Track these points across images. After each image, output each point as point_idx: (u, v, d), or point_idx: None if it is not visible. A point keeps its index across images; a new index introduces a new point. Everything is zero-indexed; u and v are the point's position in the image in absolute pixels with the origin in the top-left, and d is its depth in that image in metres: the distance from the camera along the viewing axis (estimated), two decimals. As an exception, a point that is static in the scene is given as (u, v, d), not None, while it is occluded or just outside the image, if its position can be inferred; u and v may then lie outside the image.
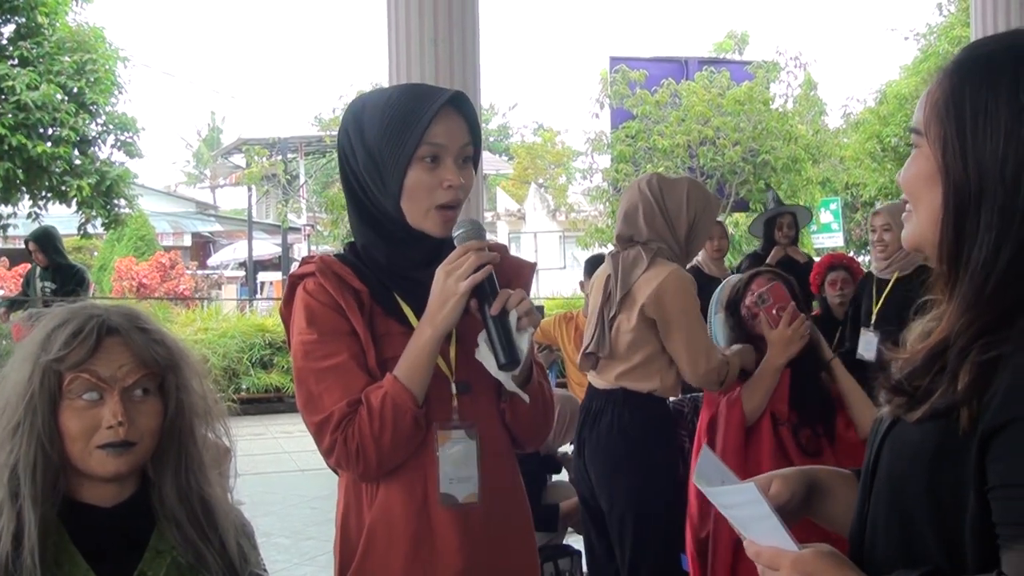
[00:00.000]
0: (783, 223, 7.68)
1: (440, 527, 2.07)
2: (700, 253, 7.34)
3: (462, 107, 2.11)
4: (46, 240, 9.40)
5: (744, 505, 1.36)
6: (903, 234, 1.39)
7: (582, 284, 6.45)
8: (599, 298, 3.82)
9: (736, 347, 3.74)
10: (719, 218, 7.87)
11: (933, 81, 1.32)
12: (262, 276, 27.87)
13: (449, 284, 1.99)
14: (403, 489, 2.07)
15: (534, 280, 2.38)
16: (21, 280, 10.01)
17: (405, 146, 2.03)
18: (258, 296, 24.38)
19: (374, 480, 2.08)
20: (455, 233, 2.07)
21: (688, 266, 3.99)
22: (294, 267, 2.29)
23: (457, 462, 2.08)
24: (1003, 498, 1.14)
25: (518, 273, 2.27)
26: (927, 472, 1.22)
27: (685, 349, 3.59)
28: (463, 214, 2.17)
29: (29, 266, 9.90)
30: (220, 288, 26.16)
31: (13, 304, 9.53)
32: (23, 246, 10.52)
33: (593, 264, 6.24)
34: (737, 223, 19.89)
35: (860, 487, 1.39)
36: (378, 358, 2.06)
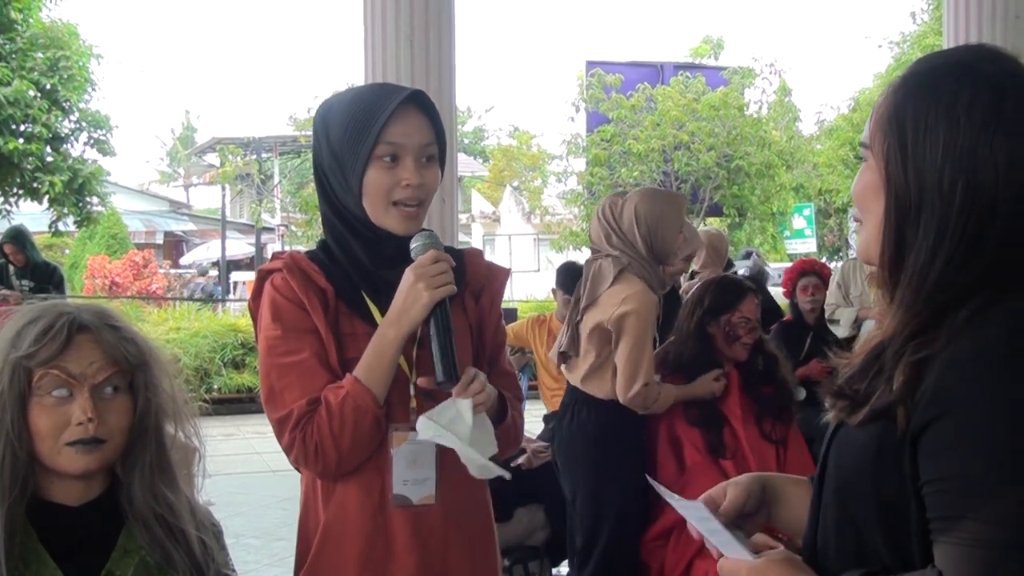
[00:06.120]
0: None
1: (395, 528, 2.07)
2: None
3: (424, 106, 2.12)
4: (22, 239, 9.32)
5: (700, 520, 1.40)
6: (857, 246, 1.42)
7: (554, 291, 6.47)
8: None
9: (670, 386, 3.83)
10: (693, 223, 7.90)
11: (881, 96, 1.36)
12: (235, 276, 27.73)
13: (418, 288, 2.00)
14: (360, 488, 2.08)
15: (507, 282, 2.38)
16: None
17: (364, 146, 2.04)
18: (231, 296, 24.22)
19: (332, 478, 2.09)
20: (412, 245, 2.07)
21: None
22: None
23: (412, 463, 2.08)
24: (932, 492, 1.17)
25: (492, 279, 2.28)
26: (871, 473, 1.25)
27: (622, 367, 3.71)
28: (436, 217, 2.17)
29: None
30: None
31: None
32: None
33: (564, 271, 6.26)
34: (711, 228, 19.98)
35: (813, 493, 1.42)
36: (341, 358, 2.06)
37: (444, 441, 2.02)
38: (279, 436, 2.06)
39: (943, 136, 1.25)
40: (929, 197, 1.25)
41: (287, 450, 2.06)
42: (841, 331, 6.53)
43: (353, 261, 2.14)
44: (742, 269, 7.12)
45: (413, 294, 2.00)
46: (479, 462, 2.03)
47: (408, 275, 2.02)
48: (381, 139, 2.04)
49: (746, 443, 3.72)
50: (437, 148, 2.13)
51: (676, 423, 3.81)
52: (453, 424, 2.03)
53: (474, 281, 2.26)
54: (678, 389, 3.82)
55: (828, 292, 6.55)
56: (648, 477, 1.62)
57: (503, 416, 2.17)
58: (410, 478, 2.08)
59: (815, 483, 1.40)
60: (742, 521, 1.51)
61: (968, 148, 1.23)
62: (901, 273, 1.29)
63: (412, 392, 2.10)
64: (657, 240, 3.85)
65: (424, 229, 2.13)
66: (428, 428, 2.01)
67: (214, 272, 27.40)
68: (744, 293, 3.94)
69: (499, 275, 2.30)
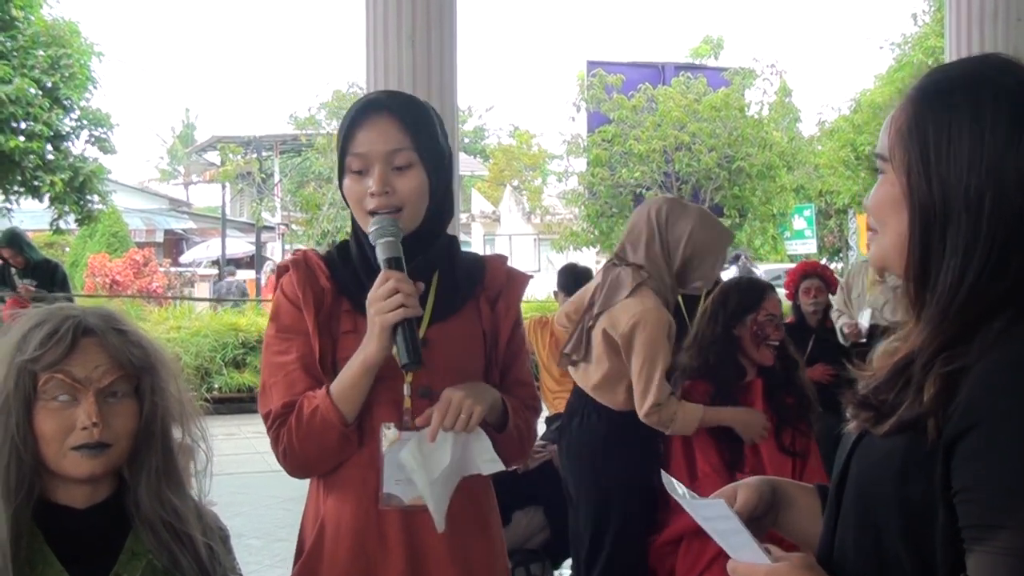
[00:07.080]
0: None
1: (387, 526, 2.07)
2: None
3: (395, 110, 2.08)
4: (18, 241, 9.27)
5: (717, 519, 1.38)
6: (870, 255, 1.41)
7: (556, 294, 6.46)
8: (585, 304, 3.97)
9: (696, 406, 3.72)
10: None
11: (896, 106, 1.34)
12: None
13: (371, 316, 1.99)
14: (357, 484, 2.09)
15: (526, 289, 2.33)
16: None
17: (339, 159, 2.09)
18: (231, 295, 24.21)
19: (303, 477, 2.16)
20: (369, 229, 2.03)
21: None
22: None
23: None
24: (966, 501, 1.17)
25: (510, 285, 2.25)
26: (896, 483, 1.25)
27: (636, 383, 3.66)
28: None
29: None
30: (193, 286, 25.98)
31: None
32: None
33: (566, 273, 6.25)
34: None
35: (829, 502, 1.41)
36: (334, 356, 2.08)
37: (414, 478, 2.03)
38: (266, 429, 2.11)
39: (967, 149, 1.24)
40: (955, 211, 1.24)
41: (271, 444, 2.12)
42: (841, 339, 6.52)
43: (364, 262, 2.13)
44: (731, 271, 7.14)
45: (371, 325, 1.99)
46: (432, 507, 2.04)
47: (368, 304, 2.00)
48: (348, 150, 2.06)
49: (766, 456, 3.66)
50: (416, 153, 2.06)
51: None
52: (433, 454, 2.04)
53: (491, 287, 2.22)
54: (708, 412, 3.68)
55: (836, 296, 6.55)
56: (663, 472, 1.60)
57: (504, 424, 2.15)
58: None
59: (833, 492, 1.40)
60: (751, 525, 1.50)
61: (993, 161, 1.23)
62: (927, 286, 1.28)
63: (407, 392, 2.08)
64: (694, 265, 3.77)
65: (387, 216, 2.05)
66: (408, 460, 2.04)
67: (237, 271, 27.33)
68: (765, 290, 3.89)
69: (517, 281, 2.27)
